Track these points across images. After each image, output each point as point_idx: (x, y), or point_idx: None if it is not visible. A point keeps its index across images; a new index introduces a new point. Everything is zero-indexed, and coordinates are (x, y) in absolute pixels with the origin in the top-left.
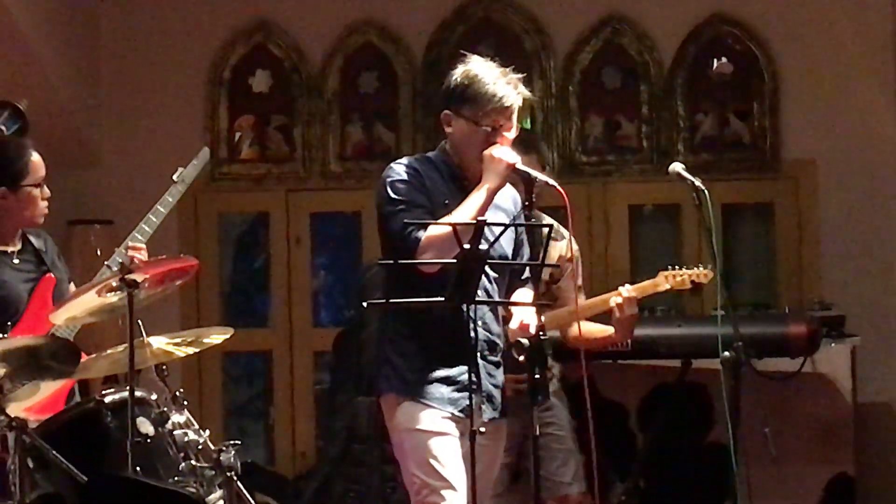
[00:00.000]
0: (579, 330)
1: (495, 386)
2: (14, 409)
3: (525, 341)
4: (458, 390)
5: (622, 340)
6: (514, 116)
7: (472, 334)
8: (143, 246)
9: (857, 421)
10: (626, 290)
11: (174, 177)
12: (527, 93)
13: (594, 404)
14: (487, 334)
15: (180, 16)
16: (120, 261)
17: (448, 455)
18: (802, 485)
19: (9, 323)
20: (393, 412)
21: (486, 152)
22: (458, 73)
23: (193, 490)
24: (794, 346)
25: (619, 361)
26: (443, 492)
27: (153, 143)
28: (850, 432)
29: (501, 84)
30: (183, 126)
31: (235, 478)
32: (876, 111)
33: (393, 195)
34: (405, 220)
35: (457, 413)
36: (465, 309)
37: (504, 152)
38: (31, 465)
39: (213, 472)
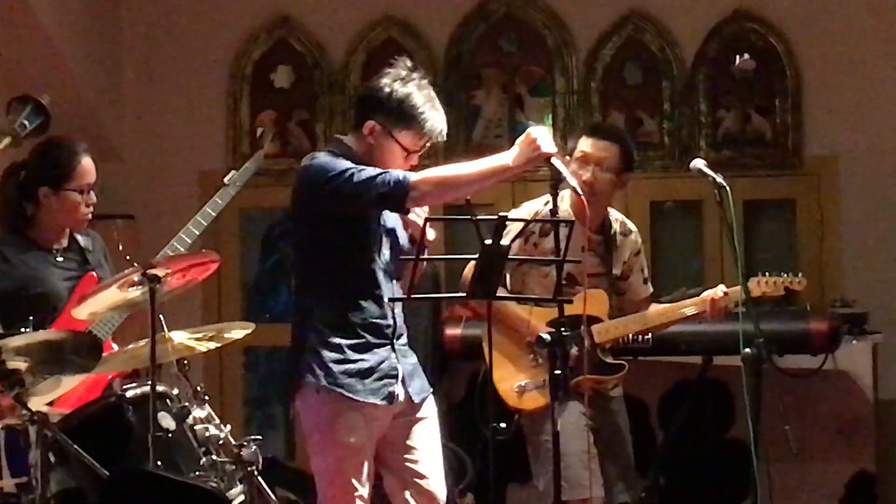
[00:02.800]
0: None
1: (412, 365)
2: (36, 403)
3: (547, 337)
4: (379, 379)
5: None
6: None
7: (392, 320)
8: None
9: (879, 418)
10: (721, 290)
11: (225, 179)
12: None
13: None
14: (400, 321)
15: (202, 11)
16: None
17: (357, 459)
18: (823, 482)
19: (48, 320)
20: (312, 403)
21: (529, 131)
22: (393, 91)
23: (214, 485)
24: (815, 342)
25: (639, 358)
26: (353, 496)
27: (175, 138)
28: (872, 429)
29: (435, 115)
30: (204, 121)
31: (256, 473)
32: None
33: (340, 166)
34: (374, 172)
35: (379, 402)
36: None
37: (546, 139)
38: (52, 459)
39: (234, 467)
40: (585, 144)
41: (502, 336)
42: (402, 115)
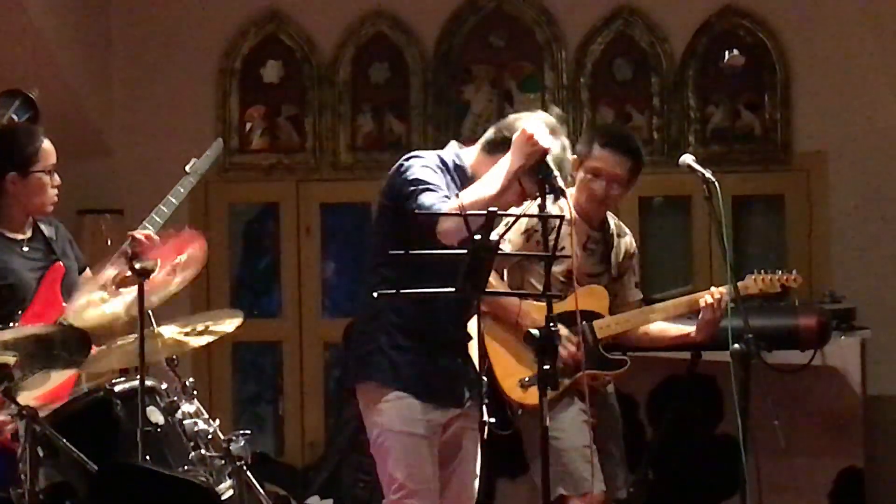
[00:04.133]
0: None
1: (475, 373)
2: (25, 398)
3: (536, 332)
4: (448, 380)
5: (703, 341)
6: None
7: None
8: (150, 231)
9: (867, 414)
10: (718, 291)
11: (187, 168)
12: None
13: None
14: (464, 328)
15: (191, 6)
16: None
17: (428, 461)
18: (811, 477)
19: (18, 311)
20: (377, 404)
21: (524, 127)
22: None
23: (203, 479)
24: (804, 338)
25: (628, 353)
26: (420, 495)
27: (164, 132)
28: (860, 425)
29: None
30: (194, 116)
31: (245, 467)
32: (887, 103)
33: (420, 177)
34: (429, 201)
35: (449, 406)
36: (461, 301)
37: (542, 134)
38: (41, 453)
39: (223, 462)
40: (599, 157)
41: (505, 332)
42: (542, 169)
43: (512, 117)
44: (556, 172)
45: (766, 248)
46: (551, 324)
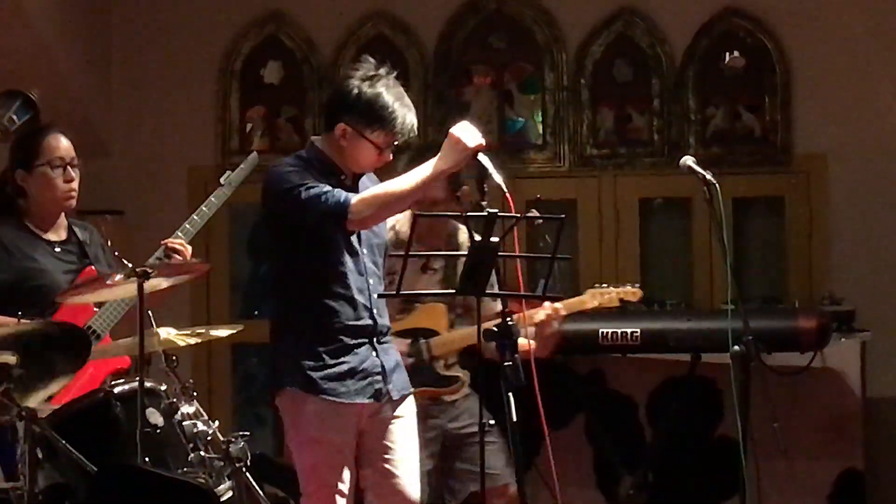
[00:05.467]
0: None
1: (395, 362)
2: (34, 400)
3: (494, 328)
4: (363, 378)
5: (542, 356)
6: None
7: (371, 320)
8: (182, 242)
9: (867, 416)
10: (553, 307)
11: (221, 179)
12: (414, 112)
13: (603, 397)
14: (382, 320)
15: (192, 6)
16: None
17: (334, 465)
18: (811, 479)
19: (47, 313)
20: (295, 409)
21: (451, 131)
22: (362, 92)
23: (202, 481)
24: (804, 340)
25: (628, 355)
26: (329, 499)
27: (164, 133)
28: (860, 427)
29: (406, 112)
30: (194, 117)
31: (244, 469)
32: (888, 105)
33: (293, 180)
34: (321, 190)
35: (365, 401)
36: (359, 298)
37: (469, 135)
38: (40, 454)
39: (223, 463)
40: None
41: None
42: (373, 115)
43: (357, 83)
44: (492, 169)
45: (766, 249)
46: (509, 319)
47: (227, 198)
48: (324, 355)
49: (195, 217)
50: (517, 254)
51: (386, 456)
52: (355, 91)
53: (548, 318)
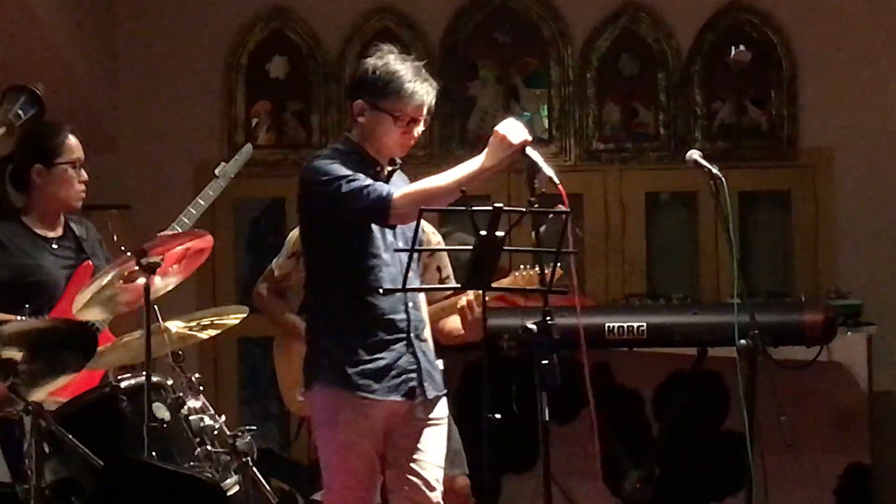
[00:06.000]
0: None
1: (430, 363)
2: (38, 393)
3: (533, 326)
4: (398, 375)
5: (473, 340)
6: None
7: (406, 315)
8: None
9: (873, 410)
10: (466, 297)
11: (216, 171)
12: (435, 86)
13: (609, 391)
14: (418, 314)
15: (198, 1)
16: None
17: (360, 461)
18: (818, 473)
19: (46, 308)
20: (326, 404)
21: (497, 129)
22: (374, 66)
23: (209, 475)
24: (810, 334)
25: (634, 349)
26: (349, 496)
27: (170, 128)
28: (866, 421)
29: (419, 79)
30: (200, 111)
31: (251, 463)
32: (894, 99)
33: (334, 172)
34: (363, 184)
35: (398, 399)
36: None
37: (515, 132)
38: (47, 449)
39: (229, 458)
40: None
41: (285, 344)
42: (382, 83)
43: (373, 62)
44: (542, 163)
45: (773, 243)
46: (549, 318)
47: (222, 189)
48: (359, 350)
49: (191, 209)
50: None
51: (414, 457)
52: (369, 67)
53: (468, 303)
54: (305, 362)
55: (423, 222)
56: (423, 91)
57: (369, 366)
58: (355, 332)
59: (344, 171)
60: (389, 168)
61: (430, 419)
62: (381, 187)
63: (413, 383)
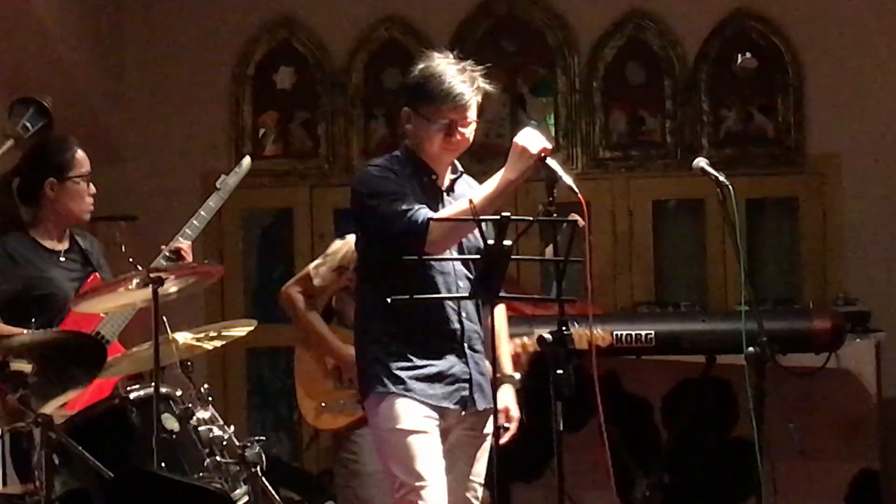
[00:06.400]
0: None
1: (482, 374)
2: (49, 406)
3: (548, 336)
4: (451, 383)
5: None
6: (473, 111)
7: (459, 324)
8: (183, 244)
9: (882, 416)
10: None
11: (217, 183)
12: (487, 87)
13: (618, 400)
14: (472, 325)
15: (204, 12)
16: (164, 261)
17: (427, 453)
18: (827, 480)
19: (56, 321)
20: (378, 410)
21: (515, 140)
22: (416, 70)
23: (218, 486)
24: (818, 341)
25: (642, 357)
26: (422, 491)
27: (177, 139)
28: (875, 427)
29: (457, 81)
30: (207, 123)
31: (260, 473)
32: None
33: (378, 188)
34: (403, 206)
35: (452, 406)
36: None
37: (534, 140)
38: (56, 460)
39: (238, 468)
40: None
41: (311, 355)
42: (419, 87)
43: (417, 67)
44: (561, 172)
45: (780, 250)
46: (564, 328)
47: (223, 201)
48: (412, 357)
49: (194, 221)
50: (529, 257)
51: (472, 469)
52: (412, 72)
53: (524, 346)
54: (359, 373)
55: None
56: (461, 91)
57: (423, 370)
58: (407, 340)
59: (388, 187)
60: (452, 176)
61: (484, 434)
62: (419, 213)
63: (465, 392)
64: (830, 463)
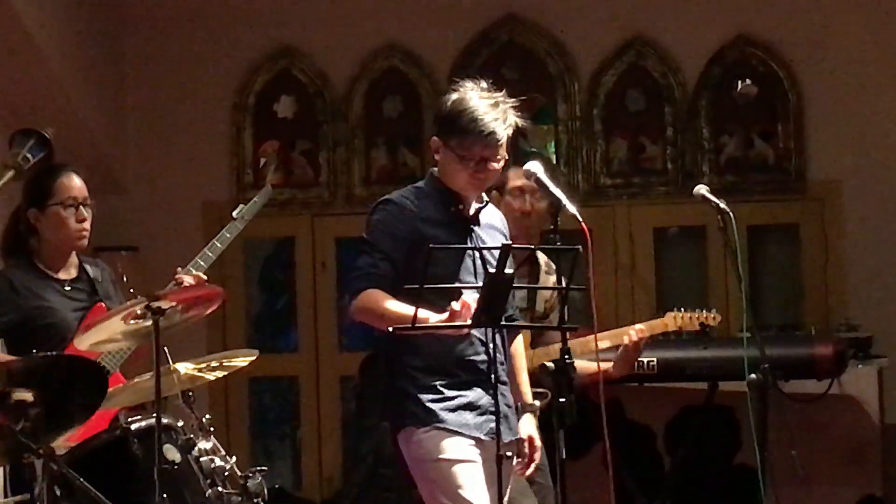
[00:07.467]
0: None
1: (508, 406)
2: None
3: (550, 364)
4: (481, 414)
5: (619, 376)
6: (502, 147)
7: (486, 356)
8: (199, 275)
9: (885, 442)
10: (638, 328)
11: (234, 213)
12: (518, 121)
13: (621, 427)
14: (499, 357)
15: (205, 42)
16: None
17: (474, 482)
18: None
19: (57, 350)
20: (416, 444)
21: (451, 306)
22: (449, 101)
23: None
24: (820, 367)
25: (645, 384)
26: None
27: (178, 169)
28: (878, 453)
29: (490, 118)
30: (208, 152)
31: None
32: None
33: (372, 236)
34: (367, 262)
35: (483, 437)
36: (475, 333)
37: (466, 308)
38: (58, 492)
39: (240, 499)
40: (516, 175)
41: None
42: (450, 120)
43: (450, 98)
44: (566, 201)
45: (782, 277)
46: (566, 356)
47: (239, 231)
48: (441, 388)
49: (207, 252)
50: (532, 285)
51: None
52: (444, 102)
53: (633, 342)
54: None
55: (539, 255)
56: (493, 129)
57: (453, 402)
58: (434, 371)
59: (377, 237)
60: (478, 205)
61: (515, 466)
62: (365, 281)
63: (492, 423)
64: (833, 489)
